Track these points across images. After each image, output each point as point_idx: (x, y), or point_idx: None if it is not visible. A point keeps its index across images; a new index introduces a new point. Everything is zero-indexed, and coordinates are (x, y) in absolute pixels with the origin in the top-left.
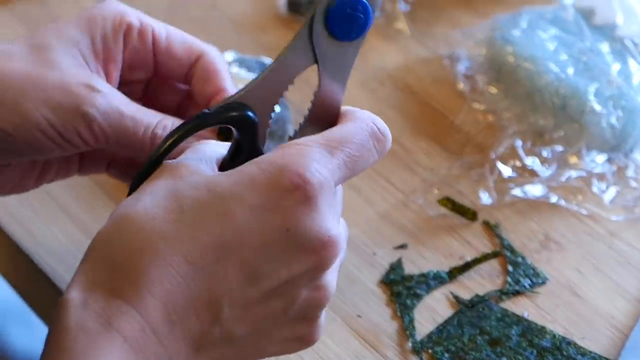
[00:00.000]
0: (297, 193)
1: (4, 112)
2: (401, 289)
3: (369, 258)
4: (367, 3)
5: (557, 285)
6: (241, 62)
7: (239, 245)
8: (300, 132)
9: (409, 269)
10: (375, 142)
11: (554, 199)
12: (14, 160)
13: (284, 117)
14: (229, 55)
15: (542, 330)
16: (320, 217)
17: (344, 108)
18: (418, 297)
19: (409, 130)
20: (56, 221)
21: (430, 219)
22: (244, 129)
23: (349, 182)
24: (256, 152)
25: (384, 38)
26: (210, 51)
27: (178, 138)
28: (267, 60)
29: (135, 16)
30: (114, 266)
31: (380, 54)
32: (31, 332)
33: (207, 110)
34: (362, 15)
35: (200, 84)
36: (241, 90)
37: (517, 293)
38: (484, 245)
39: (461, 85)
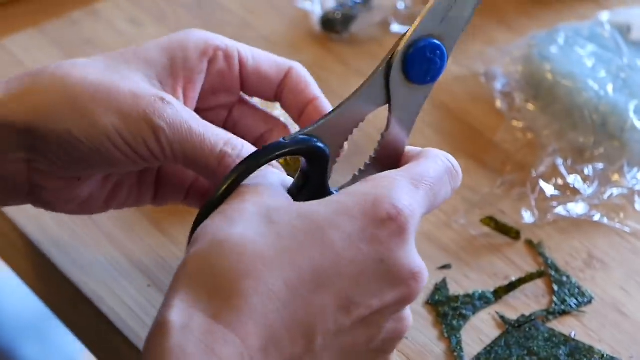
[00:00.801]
0: (392, 224)
1: (75, 117)
2: (447, 309)
3: None
4: (443, 48)
5: (602, 304)
6: None
7: (335, 273)
8: (366, 172)
9: (454, 289)
10: (450, 178)
11: (596, 217)
12: (84, 173)
13: None
14: None
15: (590, 350)
16: (411, 249)
17: (417, 148)
18: (464, 317)
19: (448, 149)
20: (98, 246)
21: (473, 239)
22: (315, 161)
23: None
24: (323, 186)
25: None
26: (297, 66)
27: (255, 163)
28: None
29: (220, 40)
30: (215, 290)
31: None
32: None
33: (283, 139)
34: (439, 60)
35: (292, 96)
36: (315, 123)
37: (563, 313)
38: (528, 264)
39: (498, 103)
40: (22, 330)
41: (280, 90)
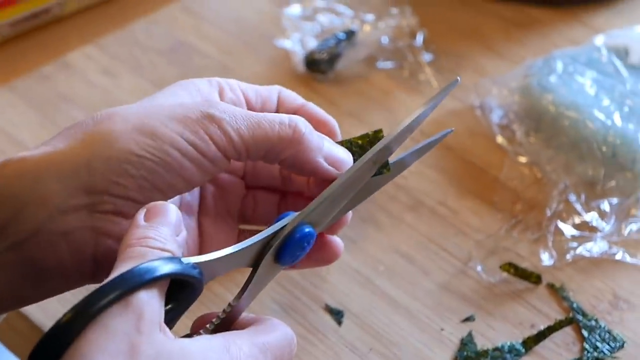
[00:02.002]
0: None
1: (133, 136)
2: None
3: (436, 334)
4: (315, 234)
5: (635, 347)
6: None
7: None
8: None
9: (480, 342)
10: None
11: (618, 255)
12: (150, 198)
13: None
14: None
15: None
16: None
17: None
18: None
19: (453, 190)
20: None
21: (492, 286)
22: (190, 290)
23: (403, 253)
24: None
25: (409, 90)
26: (280, 88)
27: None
28: None
29: (218, 78)
30: None
31: (407, 107)
32: None
33: (165, 259)
34: (308, 246)
35: (283, 108)
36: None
37: None
38: (553, 309)
39: (500, 139)
40: None
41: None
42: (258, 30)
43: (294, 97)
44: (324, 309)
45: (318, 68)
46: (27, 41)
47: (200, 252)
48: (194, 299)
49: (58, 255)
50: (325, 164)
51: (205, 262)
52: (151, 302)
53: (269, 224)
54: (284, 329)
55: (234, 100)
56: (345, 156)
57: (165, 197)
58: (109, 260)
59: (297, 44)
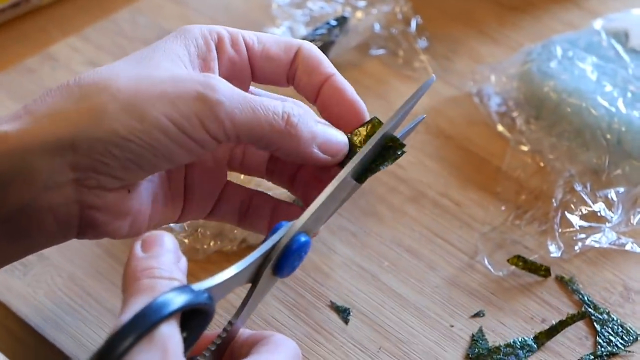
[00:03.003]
0: None
1: (119, 116)
2: None
3: (446, 331)
4: (310, 242)
5: None
6: None
7: None
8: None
9: (491, 338)
10: None
11: (628, 245)
12: (135, 176)
13: None
14: None
15: None
16: None
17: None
18: None
19: (455, 182)
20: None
21: (500, 280)
22: (202, 318)
23: (407, 248)
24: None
25: (404, 79)
26: (306, 44)
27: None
28: None
29: (220, 27)
30: None
31: (402, 95)
32: None
33: (176, 290)
34: (304, 255)
35: (305, 77)
36: (206, 280)
37: (611, 355)
38: (563, 303)
39: (500, 127)
40: None
41: (291, 72)
42: (247, 18)
43: (318, 62)
44: (329, 307)
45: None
46: (6, 32)
47: (186, 205)
48: (206, 325)
49: (44, 227)
50: (318, 154)
51: (214, 286)
52: (173, 335)
53: (258, 174)
54: (288, 345)
55: (232, 59)
56: (340, 140)
57: (149, 174)
58: (94, 226)
59: (288, 32)
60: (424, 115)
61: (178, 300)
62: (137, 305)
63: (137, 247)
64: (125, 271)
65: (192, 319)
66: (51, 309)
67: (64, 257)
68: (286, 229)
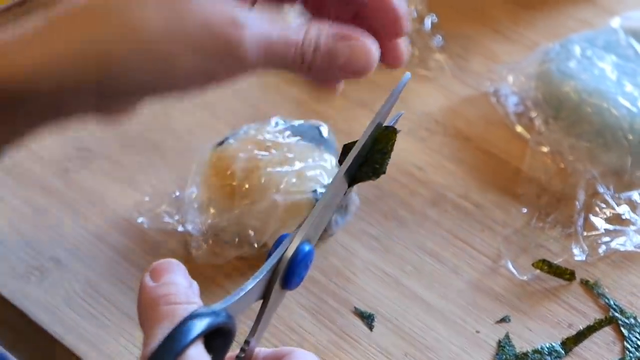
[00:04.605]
0: None
1: (147, 67)
2: None
3: (472, 337)
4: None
5: None
6: (293, 130)
7: None
8: None
9: (518, 344)
10: None
11: None
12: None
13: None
14: (276, 122)
15: None
16: None
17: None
18: None
19: (475, 184)
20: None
21: (524, 284)
22: (226, 337)
23: (430, 251)
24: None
25: (419, 78)
26: None
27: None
28: (322, 125)
29: None
30: None
31: (419, 96)
32: None
33: (197, 314)
34: (310, 265)
35: None
36: (226, 301)
37: None
38: (589, 307)
39: (519, 128)
40: None
41: None
42: None
43: None
44: (353, 313)
45: None
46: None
47: None
48: (230, 344)
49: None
50: None
51: (232, 304)
52: (201, 357)
53: None
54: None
55: None
56: None
57: None
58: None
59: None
60: (402, 112)
61: (201, 322)
62: (161, 333)
63: (147, 277)
64: (140, 302)
65: (215, 339)
66: (70, 315)
67: (81, 263)
68: (289, 241)
